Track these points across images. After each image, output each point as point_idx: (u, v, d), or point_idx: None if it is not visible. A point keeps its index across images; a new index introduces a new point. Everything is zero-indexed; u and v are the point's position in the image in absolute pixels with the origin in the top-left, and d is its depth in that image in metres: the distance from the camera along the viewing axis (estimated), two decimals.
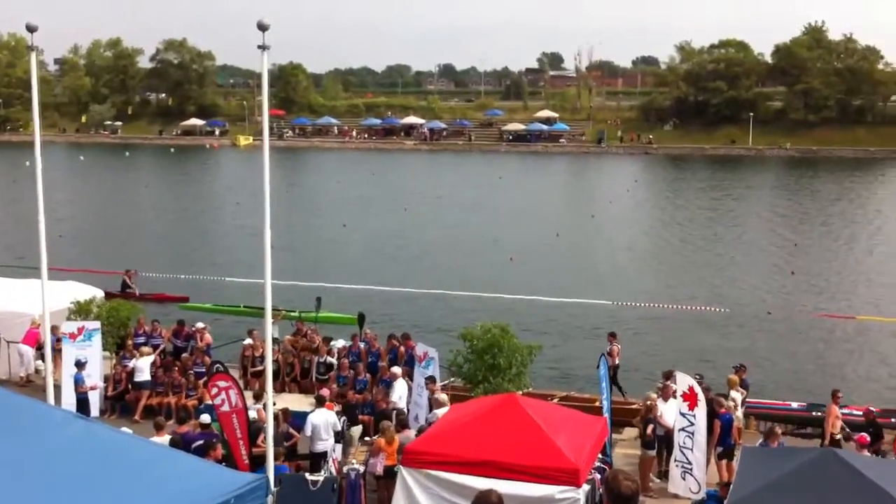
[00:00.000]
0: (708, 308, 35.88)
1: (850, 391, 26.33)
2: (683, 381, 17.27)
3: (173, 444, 14.89)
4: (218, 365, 16.32)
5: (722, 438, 17.61)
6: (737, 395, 19.97)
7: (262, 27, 13.07)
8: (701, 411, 17.06)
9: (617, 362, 24.14)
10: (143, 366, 22.22)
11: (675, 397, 19.10)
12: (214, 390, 15.68)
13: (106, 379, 22.59)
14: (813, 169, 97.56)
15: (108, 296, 35.49)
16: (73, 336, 21.76)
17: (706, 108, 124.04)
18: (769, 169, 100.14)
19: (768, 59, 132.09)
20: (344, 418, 17.95)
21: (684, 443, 17.01)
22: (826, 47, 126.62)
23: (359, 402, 19.78)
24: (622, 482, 6.25)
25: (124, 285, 36.81)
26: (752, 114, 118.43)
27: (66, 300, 24.99)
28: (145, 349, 22.85)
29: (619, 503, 6.22)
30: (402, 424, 16.85)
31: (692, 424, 17.02)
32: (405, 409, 19.14)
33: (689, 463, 16.99)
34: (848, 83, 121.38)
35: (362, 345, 22.83)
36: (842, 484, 11.92)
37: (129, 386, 22.35)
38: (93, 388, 21.24)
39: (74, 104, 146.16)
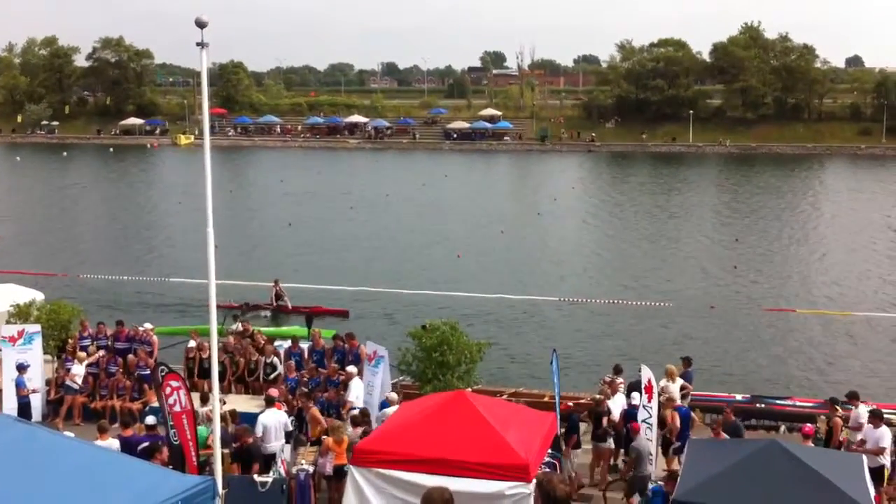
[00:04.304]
0: (652, 303, 36.33)
1: (791, 383, 26.91)
2: (645, 374, 17.49)
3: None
4: (163, 367, 16.08)
5: (681, 432, 17.79)
6: (671, 385, 19.62)
7: (201, 24, 12.87)
8: (656, 403, 17.32)
9: None
10: (79, 372, 21.80)
11: (620, 391, 19.35)
12: (168, 389, 15.53)
13: (48, 382, 22.16)
14: (752, 165, 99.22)
15: (254, 308, 34.62)
16: (13, 339, 21.35)
17: (647, 105, 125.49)
18: (709, 166, 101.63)
19: (706, 57, 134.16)
20: (293, 418, 17.81)
21: (644, 434, 17.20)
22: (763, 46, 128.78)
23: (316, 399, 19.38)
24: (557, 485, 6.21)
25: (277, 297, 35.12)
26: (691, 111, 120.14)
27: (6, 303, 24.48)
28: (81, 354, 22.34)
29: None
30: (357, 423, 16.70)
31: (650, 416, 17.26)
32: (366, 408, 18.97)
33: (650, 453, 17.21)
34: (784, 81, 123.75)
35: (304, 345, 22.59)
36: (786, 474, 12.16)
37: (63, 391, 21.86)
38: (34, 392, 20.84)
39: (9, 104, 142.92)
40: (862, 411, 17.68)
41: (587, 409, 19.09)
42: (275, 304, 35.11)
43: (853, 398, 18.15)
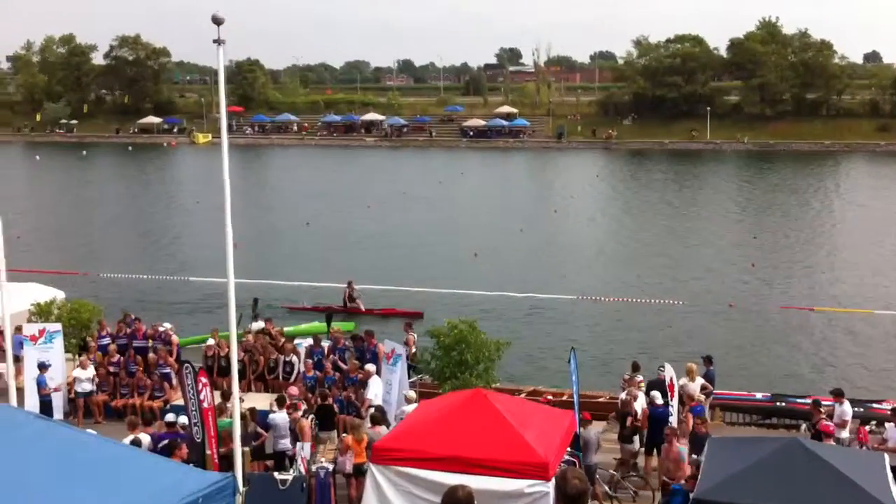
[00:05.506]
0: (670, 301, 36.21)
1: (812, 381, 26.76)
2: (668, 373, 17.45)
3: (135, 443, 14.80)
4: (188, 364, 16.21)
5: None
6: (691, 384, 19.42)
7: (217, 21, 12.91)
8: (676, 402, 17.32)
9: (413, 351, 23.17)
10: (83, 376, 21.89)
11: (639, 389, 19.29)
12: (200, 385, 15.68)
13: (69, 381, 22.29)
14: (770, 162, 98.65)
15: (329, 310, 32.90)
16: (34, 338, 21.50)
17: (664, 102, 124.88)
18: (727, 162, 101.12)
19: (723, 53, 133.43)
20: (312, 416, 17.85)
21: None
22: (780, 42, 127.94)
23: (334, 398, 19.40)
24: (570, 481, 6.28)
25: (348, 299, 34.56)
26: (709, 108, 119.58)
27: (27, 302, 24.64)
28: (83, 359, 22.39)
29: (568, 502, 6.26)
30: (376, 421, 16.73)
31: (673, 414, 17.25)
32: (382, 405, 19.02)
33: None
34: (802, 77, 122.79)
35: (325, 344, 22.66)
36: (808, 472, 12.10)
37: (74, 394, 21.98)
38: (56, 391, 21.00)
39: (28, 102, 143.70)
40: (846, 408, 17.67)
41: (613, 410, 19.05)
42: (347, 305, 34.59)
43: (837, 395, 18.09)
